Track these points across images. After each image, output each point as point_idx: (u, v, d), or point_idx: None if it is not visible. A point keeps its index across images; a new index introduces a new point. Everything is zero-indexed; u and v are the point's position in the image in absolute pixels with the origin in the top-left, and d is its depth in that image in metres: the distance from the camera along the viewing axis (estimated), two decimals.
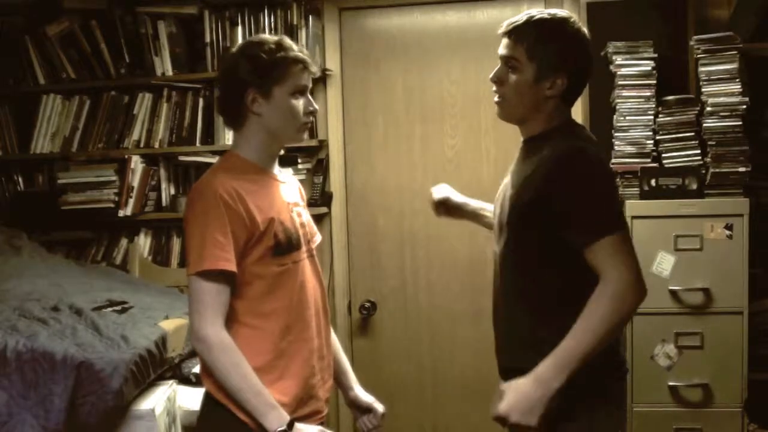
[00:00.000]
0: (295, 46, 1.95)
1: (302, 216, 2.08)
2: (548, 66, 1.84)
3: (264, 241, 1.90)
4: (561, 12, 1.90)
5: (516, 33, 1.85)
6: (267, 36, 1.98)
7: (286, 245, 1.95)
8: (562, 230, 1.80)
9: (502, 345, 2.02)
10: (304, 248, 2.02)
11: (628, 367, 2.05)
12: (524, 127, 1.97)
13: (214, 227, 1.84)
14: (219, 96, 2.04)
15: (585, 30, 1.89)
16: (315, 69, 1.99)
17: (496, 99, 1.94)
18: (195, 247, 1.85)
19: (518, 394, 1.76)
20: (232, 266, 1.85)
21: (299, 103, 1.95)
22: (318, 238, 2.16)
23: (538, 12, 1.88)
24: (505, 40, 1.88)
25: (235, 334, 1.89)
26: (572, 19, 1.88)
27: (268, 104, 1.93)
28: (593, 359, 1.75)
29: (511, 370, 1.87)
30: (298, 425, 1.87)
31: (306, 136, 2.07)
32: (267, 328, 1.93)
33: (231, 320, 1.91)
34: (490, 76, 1.92)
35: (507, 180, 2.01)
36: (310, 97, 2.00)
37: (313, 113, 1.99)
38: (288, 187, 2.08)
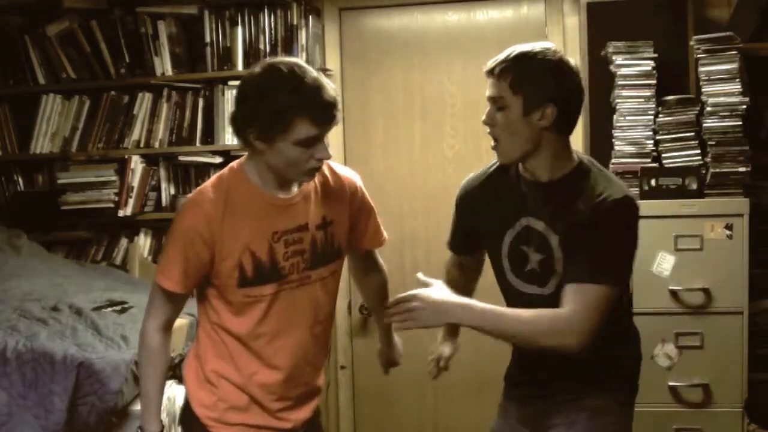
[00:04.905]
0: (329, 88, 1.79)
1: (302, 242, 1.90)
2: (534, 97, 1.80)
3: (225, 271, 1.85)
4: (543, 43, 1.88)
5: (498, 71, 1.84)
6: (285, 68, 1.75)
7: (254, 278, 1.85)
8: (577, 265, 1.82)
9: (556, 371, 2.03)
10: (292, 277, 1.89)
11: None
12: (532, 165, 1.90)
13: (175, 248, 1.87)
14: (232, 114, 1.85)
15: (567, 59, 1.87)
16: (338, 116, 1.83)
17: (492, 144, 1.91)
18: (162, 259, 1.93)
19: None
20: (175, 286, 1.88)
21: (306, 152, 1.78)
22: (337, 260, 2.01)
23: (519, 46, 1.85)
24: (489, 80, 1.87)
25: (200, 335, 2.01)
26: (553, 49, 1.85)
27: (270, 148, 1.78)
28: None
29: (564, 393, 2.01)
30: None
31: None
32: (227, 342, 1.94)
33: (200, 322, 2.02)
34: (482, 119, 1.89)
35: (526, 222, 1.91)
36: (324, 143, 1.82)
37: (321, 161, 1.83)
38: (295, 210, 1.90)
